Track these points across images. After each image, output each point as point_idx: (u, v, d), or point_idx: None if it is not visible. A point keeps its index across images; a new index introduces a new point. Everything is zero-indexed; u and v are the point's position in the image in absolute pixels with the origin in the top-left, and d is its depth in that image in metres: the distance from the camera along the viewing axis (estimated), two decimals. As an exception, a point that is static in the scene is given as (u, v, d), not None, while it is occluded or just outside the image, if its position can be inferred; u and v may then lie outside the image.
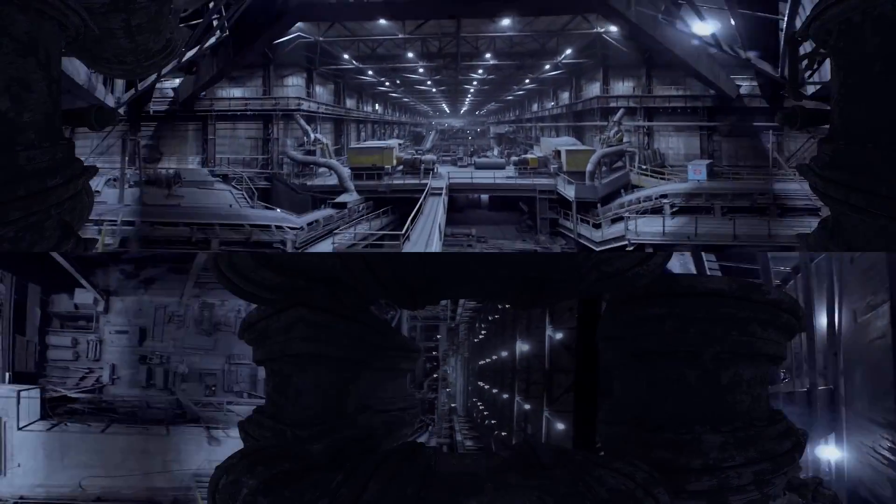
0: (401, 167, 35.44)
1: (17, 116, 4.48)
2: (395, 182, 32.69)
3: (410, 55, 37.22)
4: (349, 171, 32.39)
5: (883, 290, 6.58)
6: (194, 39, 16.52)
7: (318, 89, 37.15)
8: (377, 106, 59.25)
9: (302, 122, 32.71)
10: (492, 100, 72.59)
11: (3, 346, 16.37)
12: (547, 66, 39.76)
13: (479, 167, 39.52)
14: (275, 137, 32.21)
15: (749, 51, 16.57)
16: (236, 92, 32.66)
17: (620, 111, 32.76)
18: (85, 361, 18.08)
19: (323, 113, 36.32)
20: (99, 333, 18.10)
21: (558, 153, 32.38)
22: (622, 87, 33.94)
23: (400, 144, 55.35)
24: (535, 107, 58.20)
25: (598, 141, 32.98)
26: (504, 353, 22.71)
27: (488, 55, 38.12)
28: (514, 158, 38.73)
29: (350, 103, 46.22)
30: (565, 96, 43.85)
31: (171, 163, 30.74)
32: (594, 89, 36.04)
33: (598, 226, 26.55)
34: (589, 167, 29.70)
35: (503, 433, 21.28)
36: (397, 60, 39.86)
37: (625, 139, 32.42)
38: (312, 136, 32.75)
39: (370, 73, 42.17)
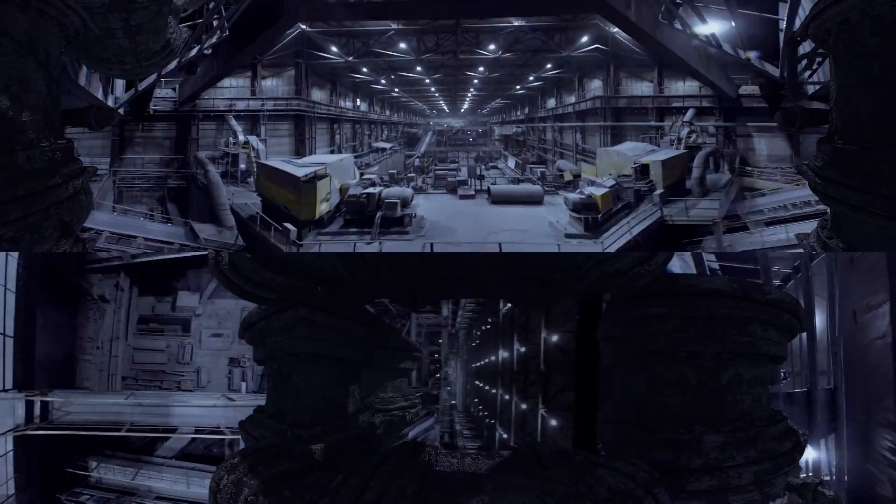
0: (346, 211, 21.23)
1: (16, 116, 4.48)
2: (311, 251, 18.20)
3: (385, 21, 28.19)
4: (258, 205, 21.55)
5: (883, 290, 6.57)
6: (194, 39, 16.56)
7: (273, 82, 30.51)
8: (359, 101, 47.58)
9: (232, 121, 28.08)
10: (498, 95, 61.24)
11: (113, 351, 16.62)
12: (585, 38, 30.07)
13: (497, 200, 25.30)
14: (193, 138, 28.26)
15: (749, 51, 16.59)
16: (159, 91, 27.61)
17: (690, 111, 28.52)
18: (174, 365, 18.18)
19: (270, 110, 28.69)
20: (195, 337, 18.19)
21: (643, 169, 23.23)
22: (684, 86, 29.90)
23: (387, 149, 46.02)
24: (551, 102, 46.06)
25: (670, 143, 28.88)
26: (492, 357, 23.80)
27: (515, 21, 28.43)
28: (570, 196, 22.51)
29: (321, 96, 35.80)
30: (594, 86, 34.11)
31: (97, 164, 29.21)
32: (641, 86, 31.21)
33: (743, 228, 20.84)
34: (696, 173, 24.33)
35: (492, 421, 23.15)
36: (377, 38, 30.65)
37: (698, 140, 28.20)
38: (242, 137, 27.69)
39: (333, 49, 31.87)
